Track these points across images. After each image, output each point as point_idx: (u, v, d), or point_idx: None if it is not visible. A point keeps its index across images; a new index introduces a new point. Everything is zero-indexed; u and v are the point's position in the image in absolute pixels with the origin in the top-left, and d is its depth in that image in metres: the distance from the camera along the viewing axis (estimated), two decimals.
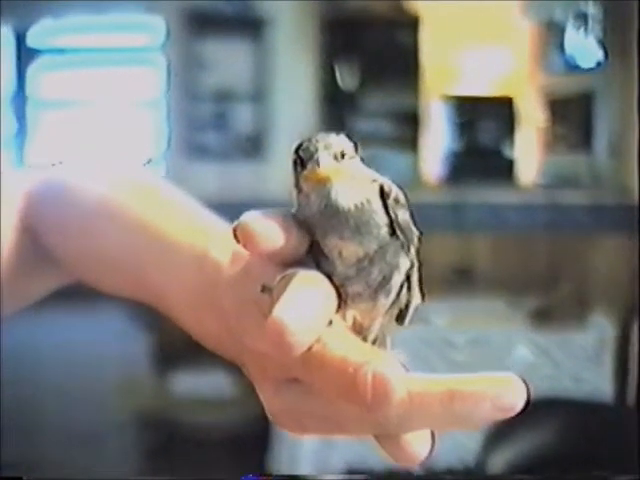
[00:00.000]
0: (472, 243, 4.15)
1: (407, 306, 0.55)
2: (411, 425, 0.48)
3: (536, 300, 3.59)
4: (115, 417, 3.80)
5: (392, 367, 0.46)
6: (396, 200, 0.51)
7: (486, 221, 4.13)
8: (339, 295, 0.51)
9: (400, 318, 0.55)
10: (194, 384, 3.83)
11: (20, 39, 4.72)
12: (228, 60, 4.20)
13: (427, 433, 0.50)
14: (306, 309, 0.47)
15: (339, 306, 0.51)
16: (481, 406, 0.46)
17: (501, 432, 2.57)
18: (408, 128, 4.31)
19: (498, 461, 2.46)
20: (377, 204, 0.51)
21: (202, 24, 4.18)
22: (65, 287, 0.76)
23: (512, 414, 0.46)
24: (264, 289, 0.50)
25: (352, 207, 0.50)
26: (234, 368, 0.53)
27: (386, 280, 0.52)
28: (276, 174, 3.96)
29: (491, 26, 4.31)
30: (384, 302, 0.52)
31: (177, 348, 3.99)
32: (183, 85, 4.28)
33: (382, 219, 0.51)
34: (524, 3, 4.41)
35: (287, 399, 0.51)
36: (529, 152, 4.44)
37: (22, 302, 0.74)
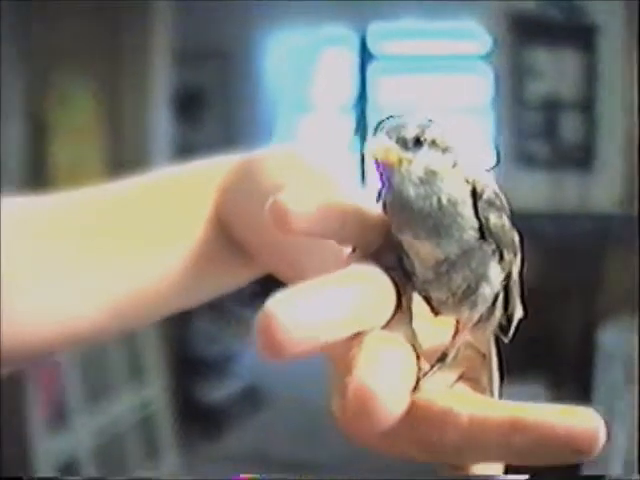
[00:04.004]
0: None
1: (509, 319, 0.47)
2: (468, 455, 0.41)
3: None
4: None
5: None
6: (489, 202, 0.44)
7: None
8: (427, 300, 0.45)
9: (504, 331, 0.48)
10: None
11: (361, 43, 4.85)
12: (557, 68, 4.11)
13: (499, 467, 0.43)
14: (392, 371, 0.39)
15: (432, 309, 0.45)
16: (546, 441, 0.38)
17: None
18: None
19: None
20: (466, 205, 0.44)
21: (531, 31, 4.11)
22: None
23: (584, 458, 0.38)
24: None
25: (426, 205, 0.43)
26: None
27: (471, 290, 0.45)
28: (605, 185, 3.84)
29: None
30: (468, 315, 0.45)
31: None
32: (511, 92, 4.23)
33: (469, 222, 0.44)
34: None
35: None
36: None
37: (212, 294, 0.72)
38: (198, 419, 4.19)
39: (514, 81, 4.19)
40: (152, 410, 3.68)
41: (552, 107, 4.13)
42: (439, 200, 0.43)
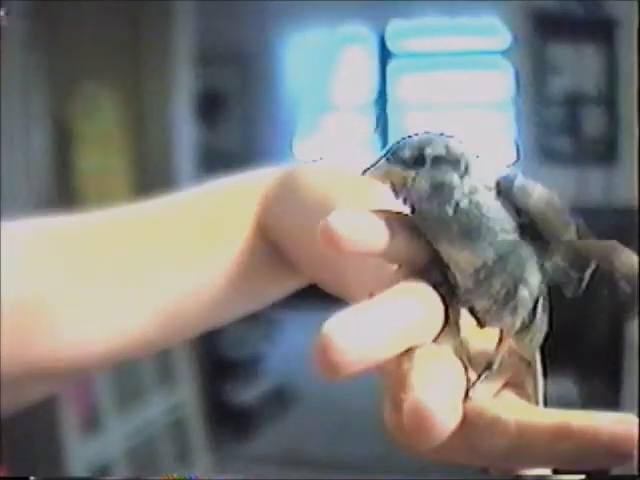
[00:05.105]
0: None
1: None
2: (516, 460, 0.42)
3: None
4: None
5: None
6: (521, 190, 0.44)
7: None
8: (472, 313, 0.46)
9: None
10: None
11: (380, 41, 4.85)
12: (579, 63, 4.10)
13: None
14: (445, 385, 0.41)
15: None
16: (590, 447, 0.39)
17: None
18: None
19: None
20: (490, 208, 0.44)
21: (552, 27, 4.10)
22: None
23: (627, 462, 0.39)
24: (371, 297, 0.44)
25: (444, 213, 0.44)
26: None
27: (510, 295, 0.45)
28: (628, 179, 3.82)
29: None
30: (510, 321, 0.46)
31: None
32: (533, 88, 4.22)
33: (499, 224, 0.44)
34: None
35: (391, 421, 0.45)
36: None
37: (258, 304, 0.73)
38: (229, 421, 4.20)
39: (535, 77, 4.19)
40: (183, 413, 3.70)
41: (574, 103, 4.12)
42: (457, 205, 0.44)
